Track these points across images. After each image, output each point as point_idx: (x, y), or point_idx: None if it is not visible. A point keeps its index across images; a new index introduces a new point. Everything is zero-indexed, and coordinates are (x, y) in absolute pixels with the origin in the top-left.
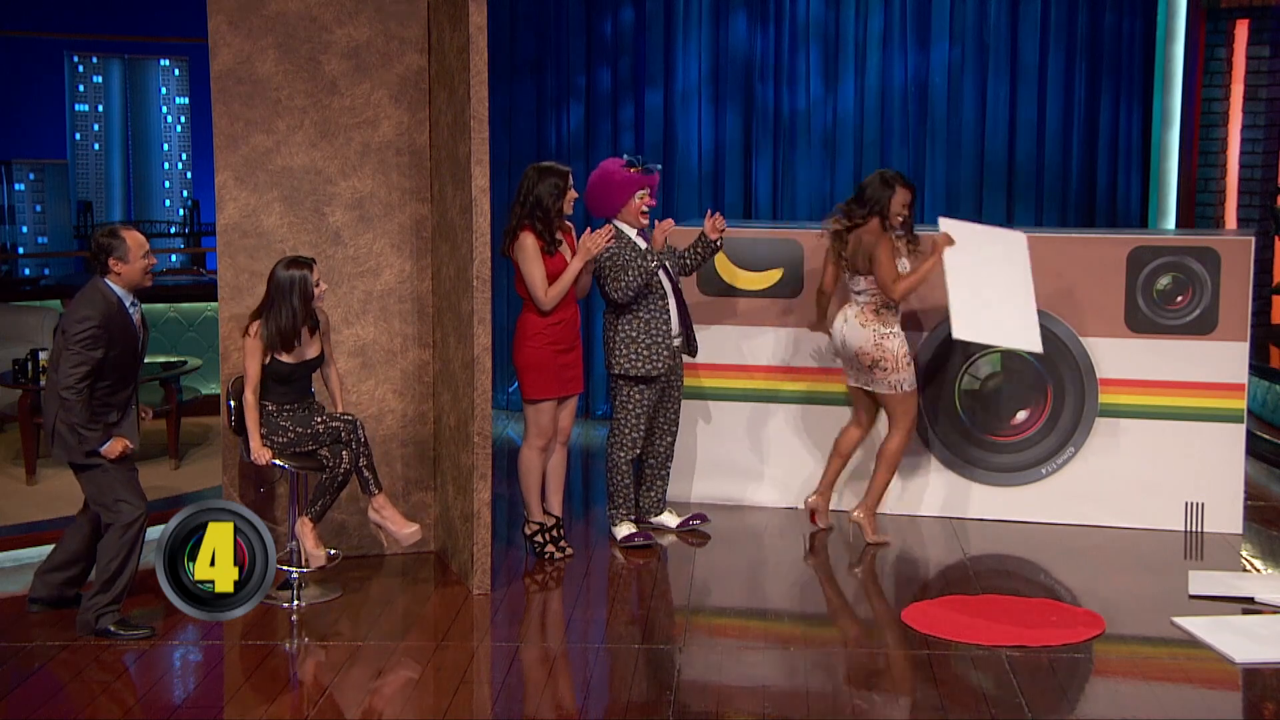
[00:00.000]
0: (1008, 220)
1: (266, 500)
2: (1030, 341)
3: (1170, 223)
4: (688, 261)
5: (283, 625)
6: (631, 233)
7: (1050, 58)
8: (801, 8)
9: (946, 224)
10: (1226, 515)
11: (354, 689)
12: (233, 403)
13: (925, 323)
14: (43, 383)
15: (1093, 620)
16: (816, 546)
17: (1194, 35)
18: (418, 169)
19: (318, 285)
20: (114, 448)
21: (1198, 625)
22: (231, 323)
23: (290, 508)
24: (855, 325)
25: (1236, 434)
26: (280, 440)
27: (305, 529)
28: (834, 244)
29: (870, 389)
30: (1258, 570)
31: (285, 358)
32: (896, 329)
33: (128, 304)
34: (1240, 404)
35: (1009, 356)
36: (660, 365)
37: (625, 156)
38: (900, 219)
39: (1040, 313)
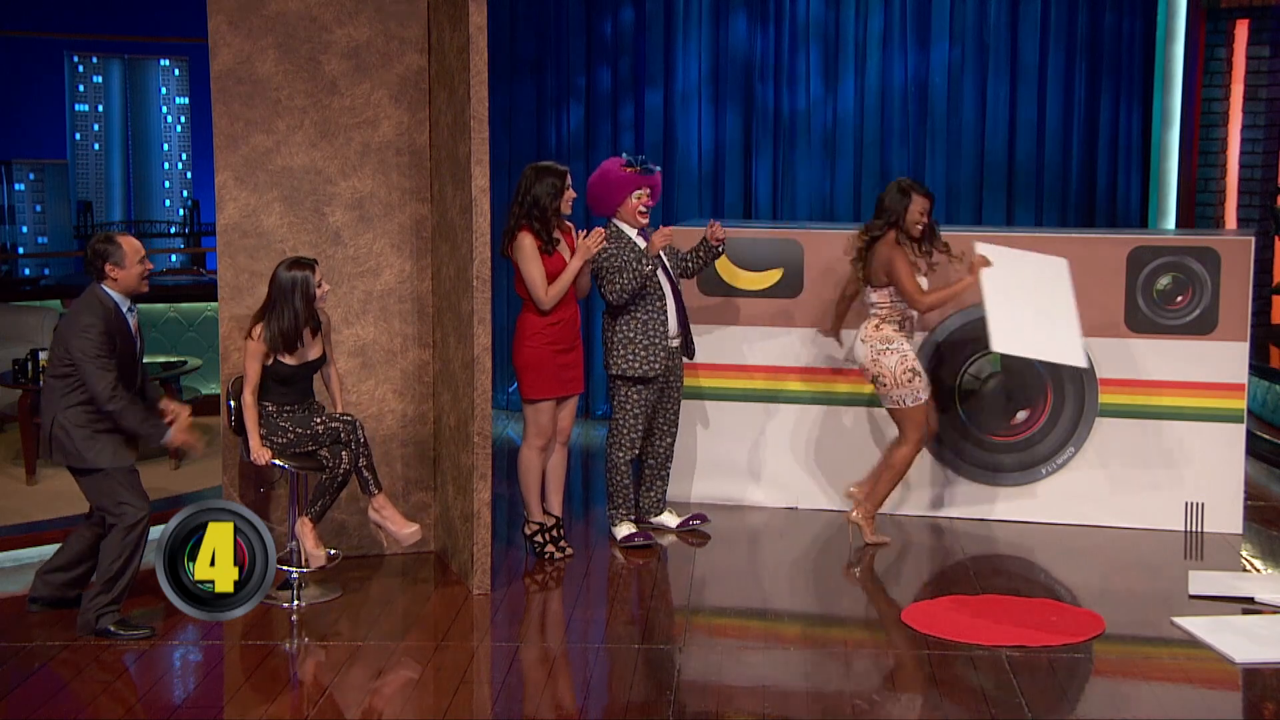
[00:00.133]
0: (1008, 221)
1: (266, 500)
2: (1074, 357)
3: (1170, 223)
4: (689, 265)
5: (283, 625)
6: (631, 232)
7: (1050, 58)
8: (801, 8)
9: (984, 248)
10: (1226, 515)
11: (354, 689)
12: (233, 403)
13: (925, 323)
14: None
15: (1093, 620)
16: (817, 545)
17: (1194, 35)
18: (418, 169)
19: (320, 286)
20: (178, 437)
21: (1198, 625)
22: (231, 323)
23: (290, 508)
24: (859, 340)
25: (1236, 434)
26: (280, 441)
27: (305, 529)
28: (856, 259)
29: (882, 403)
30: (1258, 570)
31: (287, 359)
32: (897, 344)
33: (125, 309)
34: (1240, 404)
35: (1009, 356)
36: (657, 366)
37: (625, 156)
38: (919, 227)
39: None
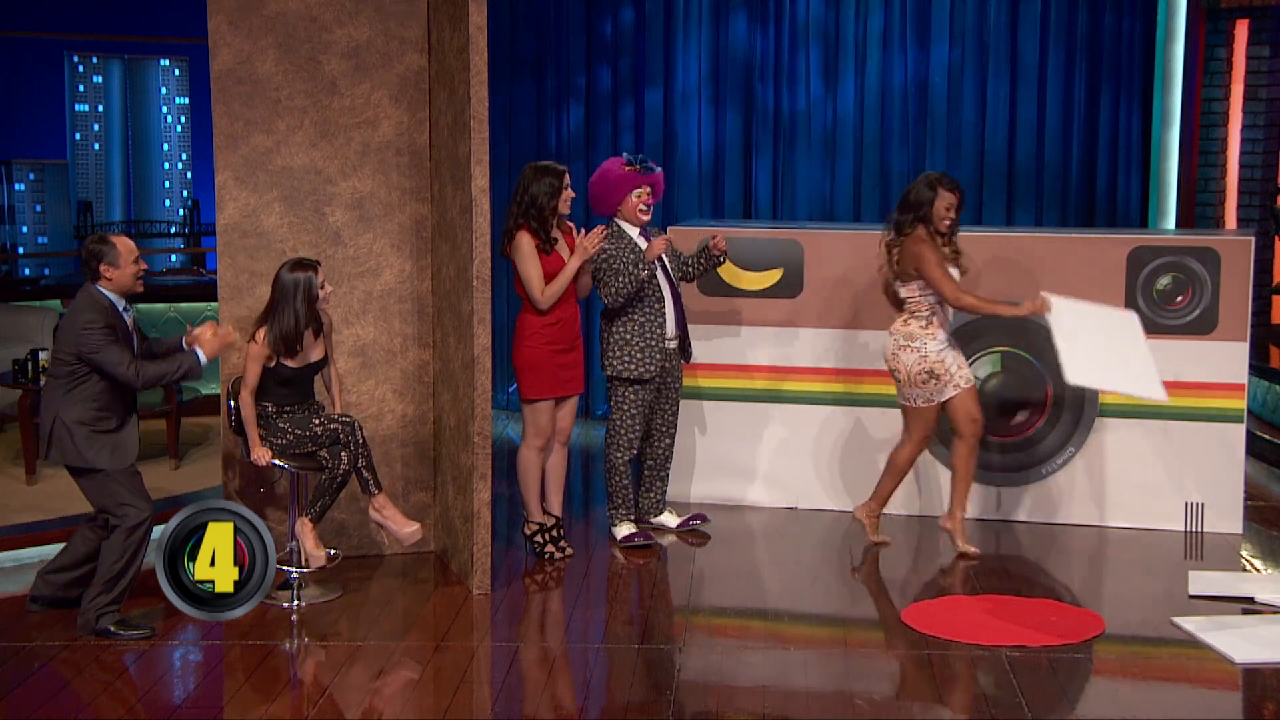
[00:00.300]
0: (1007, 221)
1: (266, 500)
2: (1153, 390)
3: (1170, 223)
4: (690, 269)
5: (283, 625)
6: (633, 232)
7: (1050, 58)
8: (801, 8)
9: (1053, 298)
10: (1226, 515)
11: (354, 689)
12: (233, 403)
13: None
14: (43, 383)
15: (1093, 620)
16: (817, 545)
17: (1194, 35)
18: (418, 169)
19: (323, 288)
20: (210, 352)
21: (1198, 625)
22: (232, 323)
23: (290, 508)
24: (888, 332)
25: (1236, 434)
26: (279, 442)
27: (305, 529)
28: (886, 255)
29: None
30: (1258, 570)
31: (289, 362)
32: (919, 342)
33: (121, 309)
34: (1240, 404)
35: (1009, 356)
36: (652, 367)
37: (625, 155)
38: (946, 222)
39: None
